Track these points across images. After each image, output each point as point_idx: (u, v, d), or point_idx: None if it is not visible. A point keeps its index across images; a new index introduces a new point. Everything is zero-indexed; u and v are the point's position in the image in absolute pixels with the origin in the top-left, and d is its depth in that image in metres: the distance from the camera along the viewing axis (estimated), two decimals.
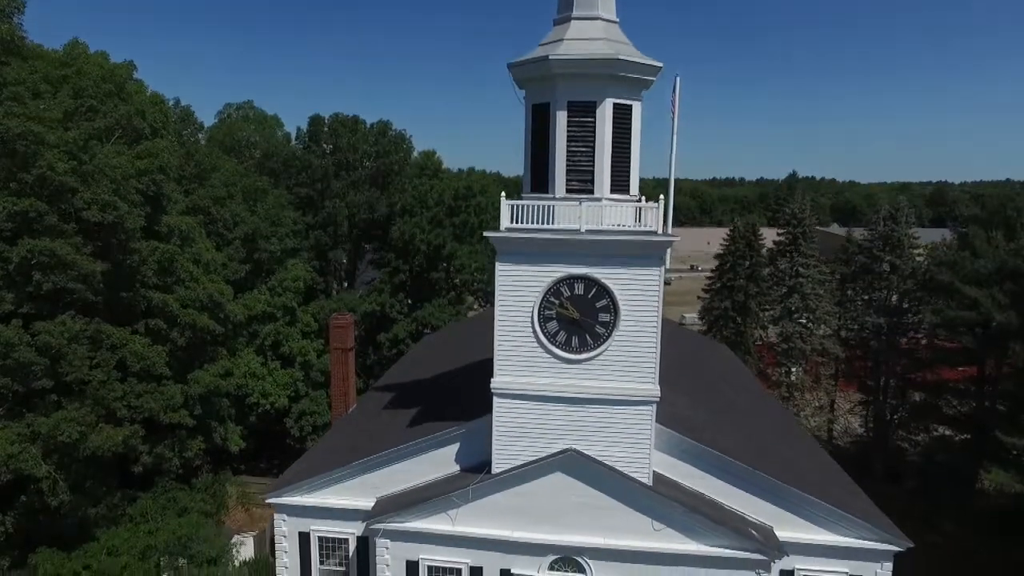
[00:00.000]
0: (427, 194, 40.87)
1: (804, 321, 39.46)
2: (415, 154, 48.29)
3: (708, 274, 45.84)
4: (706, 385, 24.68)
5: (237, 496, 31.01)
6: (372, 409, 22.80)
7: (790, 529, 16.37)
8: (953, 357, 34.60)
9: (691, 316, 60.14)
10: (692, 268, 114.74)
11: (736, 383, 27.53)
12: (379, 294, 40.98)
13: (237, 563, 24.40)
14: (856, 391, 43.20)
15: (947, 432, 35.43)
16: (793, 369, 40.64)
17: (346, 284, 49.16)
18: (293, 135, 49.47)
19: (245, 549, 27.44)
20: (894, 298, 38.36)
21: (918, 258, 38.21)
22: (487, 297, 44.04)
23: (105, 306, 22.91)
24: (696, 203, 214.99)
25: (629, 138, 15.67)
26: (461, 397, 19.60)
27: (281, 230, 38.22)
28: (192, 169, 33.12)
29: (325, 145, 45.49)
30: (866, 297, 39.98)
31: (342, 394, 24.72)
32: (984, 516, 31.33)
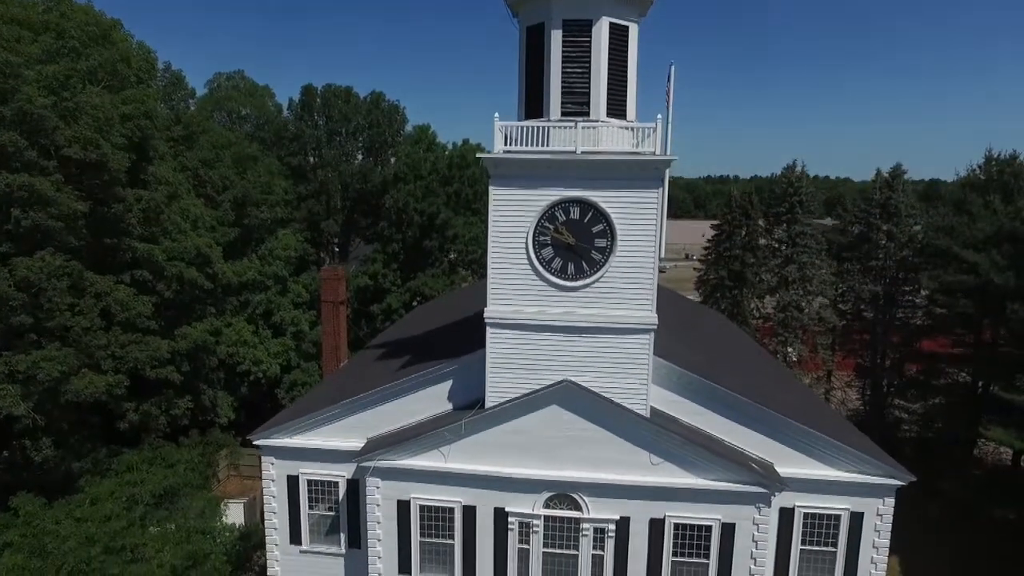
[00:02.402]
0: (420, 163, 40.31)
1: (801, 292, 39.12)
2: (409, 127, 47.72)
3: (704, 245, 45.43)
4: (705, 339, 24.34)
5: (227, 454, 30.37)
6: (364, 363, 22.41)
7: (790, 465, 15.99)
8: (950, 323, 34.41)
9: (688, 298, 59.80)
10: (687, 257, 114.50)
11: (734, 340, 27.25)
12: (372, 263, 40.44)
13: (226, 519, 23.87)
14: (853, 370, 42.90)
15: (942, 401, 35.23)
16: (791, 348, 40.31)
17: (339, 262, 48.59)
18: (285, 106, 48.80)
19: (234, 515, 26.81)
20: (891, 267, 38.05)
21: (915, 227, 37.91)
22: (482, 271, 43.50)
23: (89, 253, 22.32)
24: (690, 196, 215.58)
25: (626, 61, 15.32)
26: (454, 342, 19.17)
27: (272, 198, 37.66)
28: (180, 131, 32.49)
29: (318, 117, 44.88)
30: (860, 268, 39.65)
31: (333, 348, 24.19)
32: (982, 479, 31.20)
